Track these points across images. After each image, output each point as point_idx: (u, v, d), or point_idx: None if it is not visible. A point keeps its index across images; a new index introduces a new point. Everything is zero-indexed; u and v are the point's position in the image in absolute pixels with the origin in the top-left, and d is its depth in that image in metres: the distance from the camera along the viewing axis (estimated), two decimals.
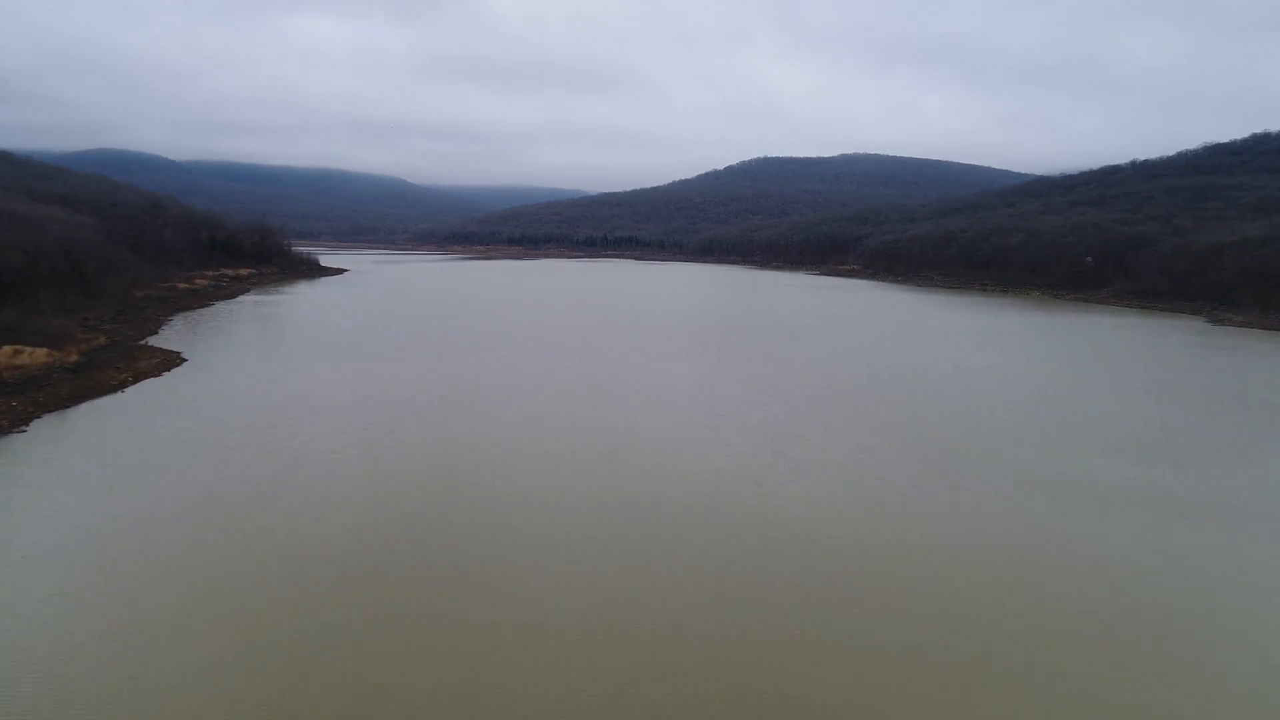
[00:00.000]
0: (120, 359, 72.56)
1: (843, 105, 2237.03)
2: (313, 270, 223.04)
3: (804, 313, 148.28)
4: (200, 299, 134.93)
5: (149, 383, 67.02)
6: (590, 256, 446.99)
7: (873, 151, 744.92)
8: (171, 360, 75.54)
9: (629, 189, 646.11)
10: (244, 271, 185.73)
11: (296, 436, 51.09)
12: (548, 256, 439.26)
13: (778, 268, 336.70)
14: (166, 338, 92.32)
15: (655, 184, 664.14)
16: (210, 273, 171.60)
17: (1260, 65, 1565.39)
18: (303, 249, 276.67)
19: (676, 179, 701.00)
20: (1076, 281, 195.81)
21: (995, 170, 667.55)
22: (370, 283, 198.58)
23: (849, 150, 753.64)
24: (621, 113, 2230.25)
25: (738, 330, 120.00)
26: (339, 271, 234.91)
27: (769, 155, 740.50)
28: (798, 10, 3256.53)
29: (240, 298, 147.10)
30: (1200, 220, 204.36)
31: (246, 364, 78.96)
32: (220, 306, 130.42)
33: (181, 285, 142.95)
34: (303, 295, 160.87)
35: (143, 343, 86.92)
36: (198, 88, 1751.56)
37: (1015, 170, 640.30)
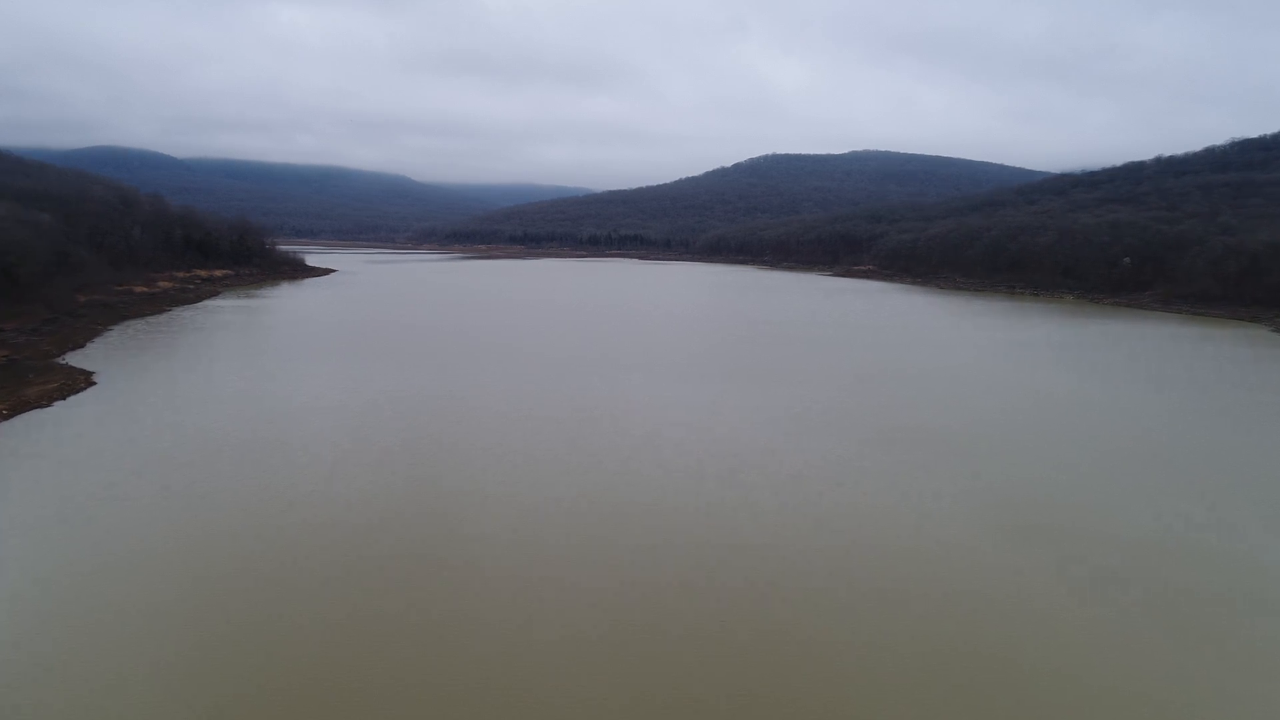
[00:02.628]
0: (7, 383, 59.62)
1: (842, 99, 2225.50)
2: (297, 271, 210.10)
3: (830, 321, 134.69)
4: (156, 304, 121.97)
5: (31, 415, 54.12)
6: (593, 256, 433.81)
7: (875, 147, 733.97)
8: (74, 384, 62.50)
9: (634, 186, 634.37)
10: (218, 273, 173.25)
11: (163, 509, 38.14)
12: (550, 256, 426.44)
13: (789, 268, 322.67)
14: (90, 353, 79.34)
15: (661, 182, 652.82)
16: (180, 274, 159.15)
17: (1276, 59, 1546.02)
18: (298, 248, 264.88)
19: (681, 176, 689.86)
20: (1113, 284, 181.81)
21: (1008, 167, 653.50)
22: (355, 284, 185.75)
23: (850, 144, 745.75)
24: (615, 108, 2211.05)
25: (758, 345, 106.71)
26: (326, 272, 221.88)
27: (776, 152, 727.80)
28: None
29: (206, 302, 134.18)
30: (1246, 218, 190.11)
31: (163, 389, 65.85)
32: (178, 313, 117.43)
33: (140, 289, 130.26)
34: (277, 300, 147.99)
35: (58, 360, 74.13)
36: (182, 82, 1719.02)
37: (1028, 167, 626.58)
